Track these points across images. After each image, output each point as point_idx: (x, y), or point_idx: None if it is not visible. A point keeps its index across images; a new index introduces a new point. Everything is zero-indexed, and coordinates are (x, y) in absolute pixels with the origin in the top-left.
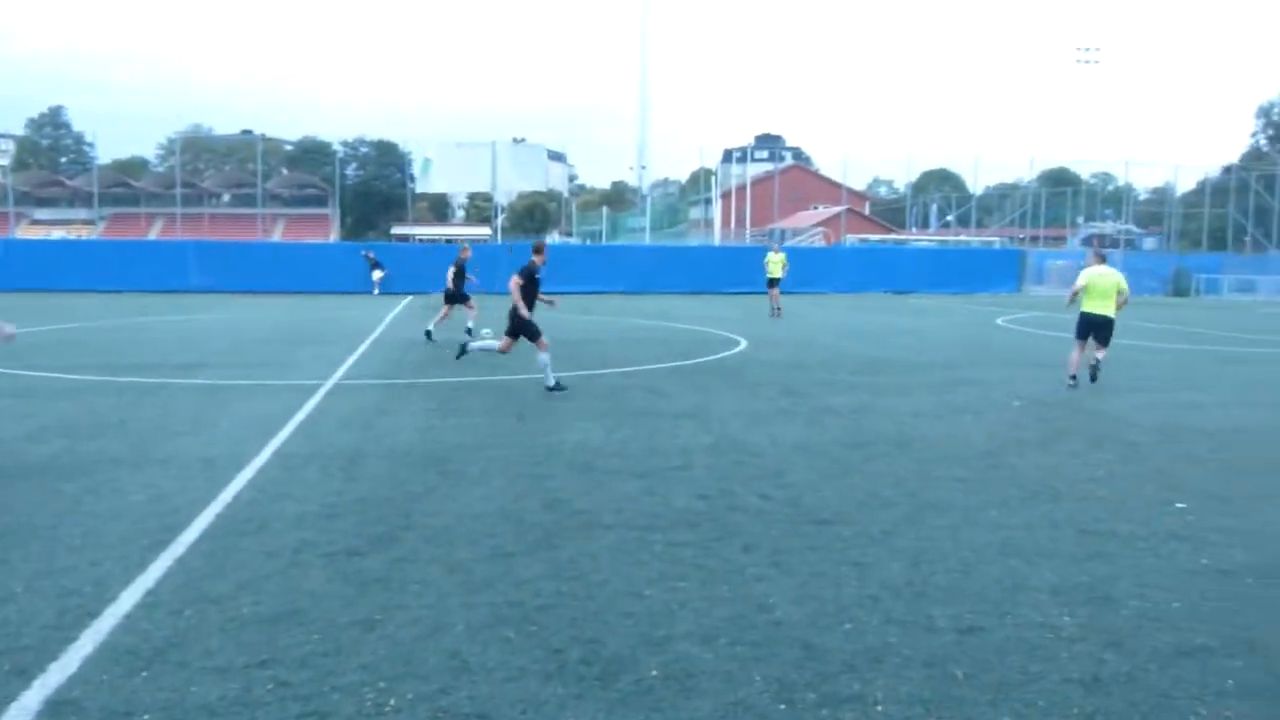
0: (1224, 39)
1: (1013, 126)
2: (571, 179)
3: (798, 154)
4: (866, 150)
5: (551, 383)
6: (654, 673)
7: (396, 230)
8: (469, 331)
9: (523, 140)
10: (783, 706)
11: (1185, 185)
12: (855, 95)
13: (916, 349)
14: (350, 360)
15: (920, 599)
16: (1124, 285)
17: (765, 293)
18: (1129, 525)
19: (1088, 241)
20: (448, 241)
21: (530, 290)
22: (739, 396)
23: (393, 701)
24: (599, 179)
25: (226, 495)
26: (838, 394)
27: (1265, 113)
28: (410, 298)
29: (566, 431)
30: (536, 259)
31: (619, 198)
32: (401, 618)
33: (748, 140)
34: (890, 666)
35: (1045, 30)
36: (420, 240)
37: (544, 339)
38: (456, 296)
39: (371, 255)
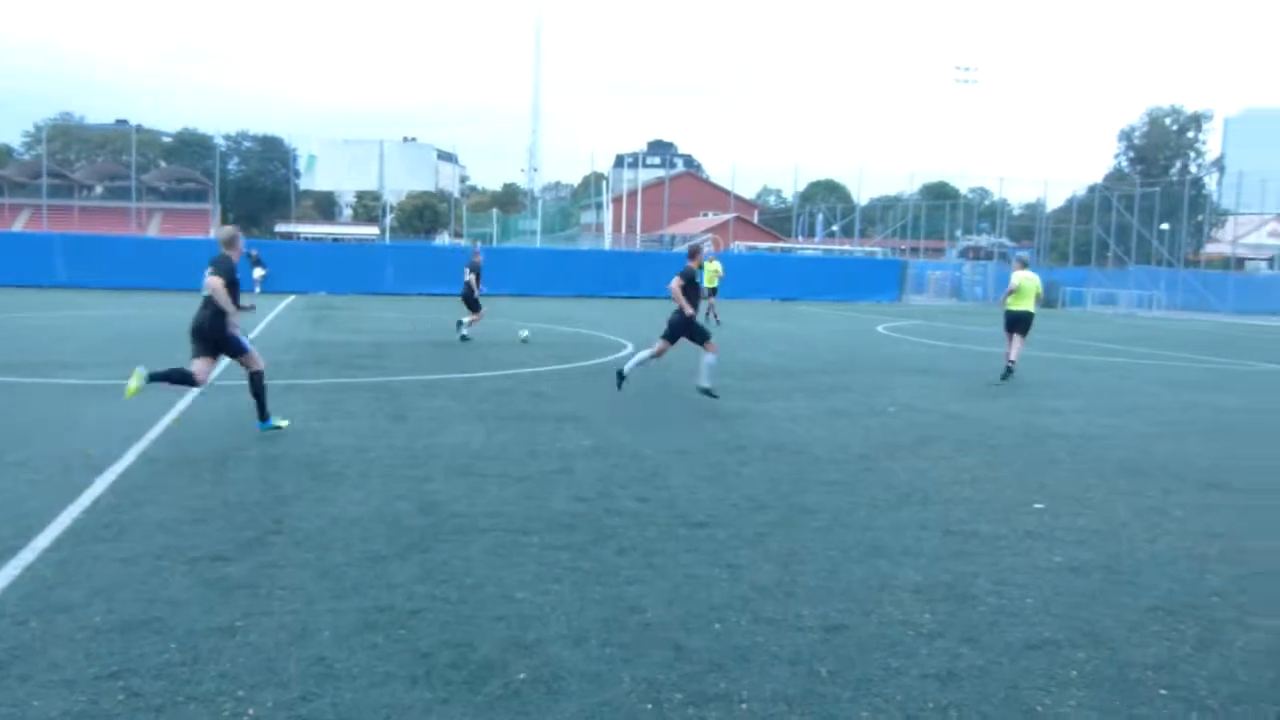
0: (1091, 67)
1: (896, 141)
2: (462, 180)
3: (689, 161)
4: (756, 159)
5: (707, 384)
6: (522, 676)
7: (280, 228)
8: (463, 338)
9: (413, 139)
10: (650, 706)
11: (1055, 202)
12: (746, 105)
13: (798, 355)
14: (226, 360)
15: (789, 599)
16: (1040, 288)
17: (655, 298)
18: (990, 525)
19: (1016, 254)
20: (334, 240)
21: (691, 293)
22: (621, 400)
23: (251, 710)
24: (490, 180)
25: (85, 500)
26: (719, 398)
27: (1126, 136)
28: (293, 297)
29: (446, 434)
30: (692, 263)
31: (510, 200)
32: (266, 624)
33: (640, 146)
34: (757, 665)
35: (927, 50)
36: (305, 238)
37: (713, 341)
38: (471, 300)
39: (254, 253)
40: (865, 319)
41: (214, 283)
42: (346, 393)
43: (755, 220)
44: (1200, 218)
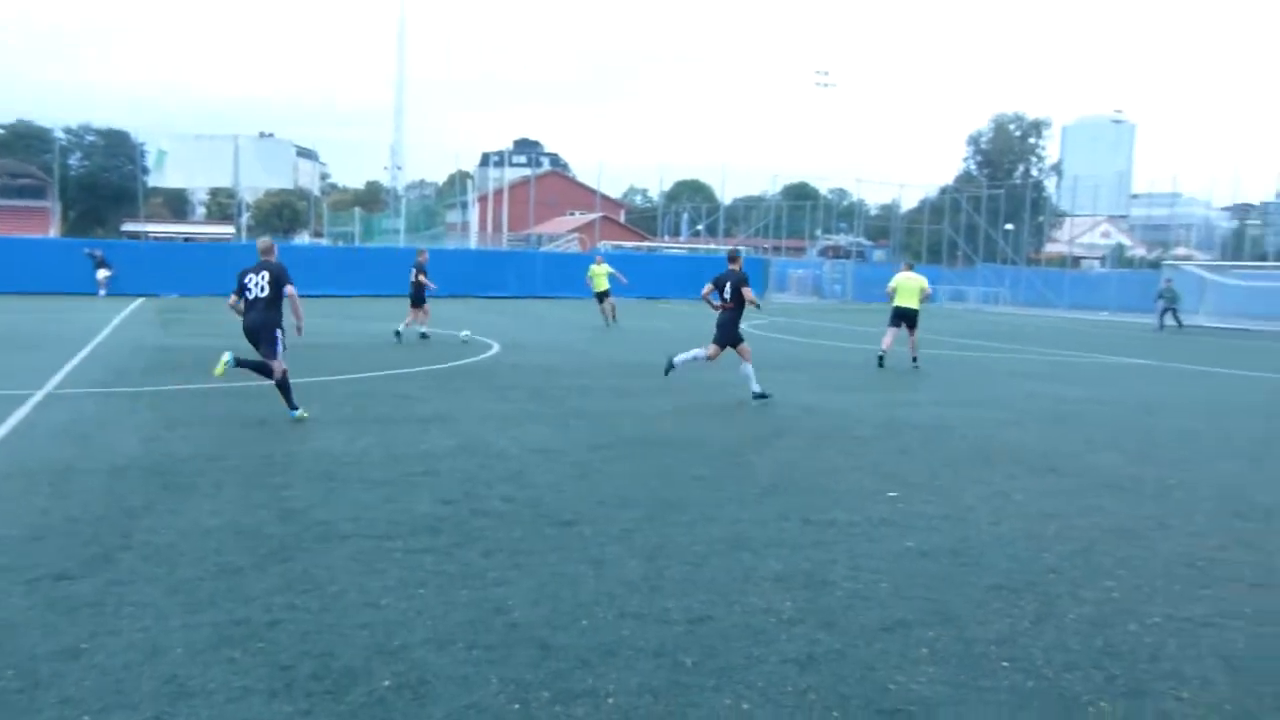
0: (942, 75)
1: (758, 142)
2: (323, 177)
3: (555, 160)
4: (623, 159)
5: (758, 389)
6: (387, 683)
7: (128, 227)
8: (424, 335)
9: (270, 135)
10: (517, 706)
11: (909, 203)
12: (613, 104)
13: (664, 351)
14: (67, 367)
15: (655, 593)
16: (926, 286)
17: (521, 297)
18: (847, 514)
19: (900, 254)
20: (185, 240)
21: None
22: (488, 400)
23: None
24: (352, 178)
25: None
26: (586, 397)
27: (974, 141)
28: (141, 300)
29: (307, 440)
30: (734, 266)
31: (373, 198)
32: (113, 644)
33: (506, 144)
34: (623, 659)
35: (788, 52)
36: (154, 238)
37: (721, 350)
38: (418, 299)
39: (97, 253)
40: None
41: (291, 290)
42: (200, 399)
43: (622, 220)
44: (1041, 219)
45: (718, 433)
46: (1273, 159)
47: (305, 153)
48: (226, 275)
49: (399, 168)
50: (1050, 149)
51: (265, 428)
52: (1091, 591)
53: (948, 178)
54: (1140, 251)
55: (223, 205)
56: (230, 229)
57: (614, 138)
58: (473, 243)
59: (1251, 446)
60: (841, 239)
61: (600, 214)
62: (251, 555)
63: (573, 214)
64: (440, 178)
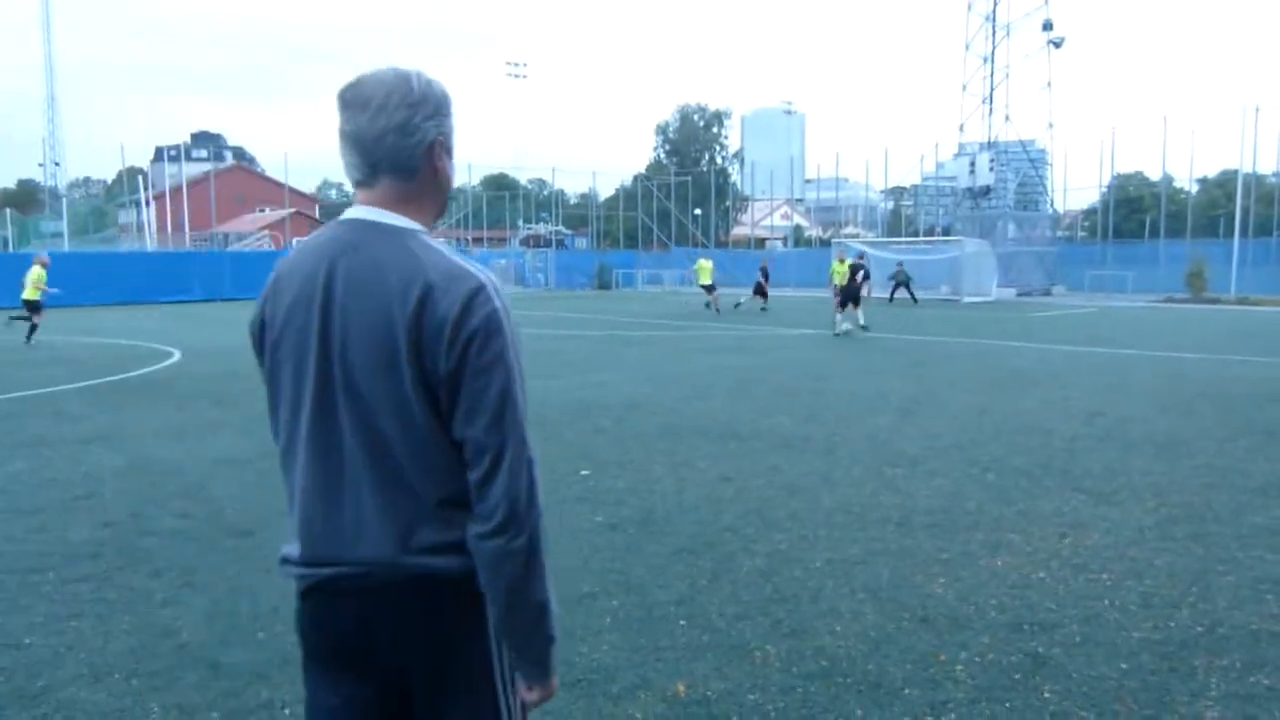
0: (630, 68)
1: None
2: None
3: (240, 154)
4: (313, 151)
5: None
6: None
7: None
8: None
9: None
10: None
11: (606, 191)
12: (296, 96)
13: None
14: None
15: None
16: (844, 268)
17: (209, 300)
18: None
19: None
20: None
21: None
22: (164, 412)
23: None
24: (1, 177)
25: None
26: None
27: (663, 130)
28: None
29: None
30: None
31: (29, 199)
32: None
33: (183, 138)
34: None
35: (479, 42)
36: None
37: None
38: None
39: None
40: None
41: None
42: None
43: (317, 215)
44: (727, 204)
45: None
46: (915, 146)
47: None
48: None
49: (57, 164)
50: (732, 138)
51: None
52: (763, 545)
53: (640, 166)
54: (816, 231)
55: None
56: None
57: (302, 130)
58: (150, 244)
59: (902, 403)
60: (542, 228)
61: (292, 210)
62: None
63: (263, 210)
64: (109, 175)
